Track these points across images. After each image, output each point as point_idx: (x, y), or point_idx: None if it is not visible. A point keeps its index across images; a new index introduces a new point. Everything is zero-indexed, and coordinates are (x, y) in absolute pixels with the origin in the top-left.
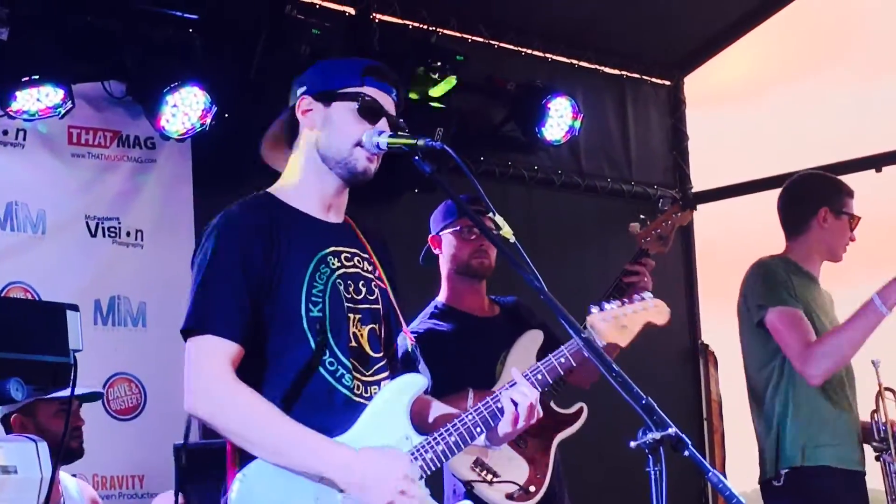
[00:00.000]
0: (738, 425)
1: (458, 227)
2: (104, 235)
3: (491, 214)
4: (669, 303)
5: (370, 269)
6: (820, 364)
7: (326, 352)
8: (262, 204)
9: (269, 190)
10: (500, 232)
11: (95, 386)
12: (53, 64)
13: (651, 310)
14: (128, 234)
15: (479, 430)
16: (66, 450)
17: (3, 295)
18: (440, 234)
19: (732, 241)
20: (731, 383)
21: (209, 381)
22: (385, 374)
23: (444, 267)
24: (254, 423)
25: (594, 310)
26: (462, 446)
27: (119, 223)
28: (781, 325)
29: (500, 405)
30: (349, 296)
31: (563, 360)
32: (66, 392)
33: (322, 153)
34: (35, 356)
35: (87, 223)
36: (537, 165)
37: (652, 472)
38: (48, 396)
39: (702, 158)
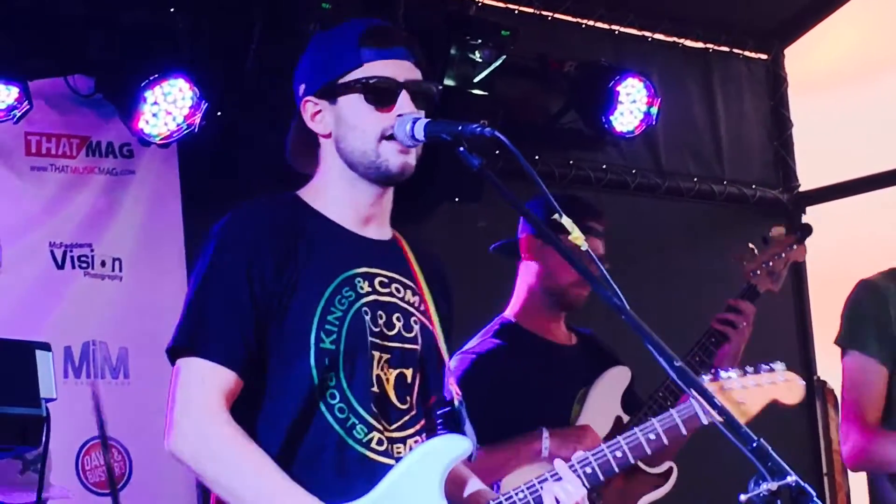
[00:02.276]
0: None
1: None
2: (74, 267)
3: (557, 216)
4: (776, 331)
5: (413, 300)
6: (856, 463)
7: (336, 394)
8: (283, 204)
9: (297, 192)
10: (570, 237)
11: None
12: (3, 56)
13: (780, 384)
14: (103, 263)
15: None
16: None
17: None
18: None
19: (851, 252)
20: None
21: (196, 415)
22: (414, 431)
23: (528, 279)
24: (242, 475)
25: (706, 377)
26: None
27: (92, 251)
28: (847, 379)
29: (538, 497)
30: (377, 329)
31: (618, 454)
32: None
33: (346, 158)
34: None
35: (51, 252)
36: (606, 164)
37: None
38: None
39: (808, 150)
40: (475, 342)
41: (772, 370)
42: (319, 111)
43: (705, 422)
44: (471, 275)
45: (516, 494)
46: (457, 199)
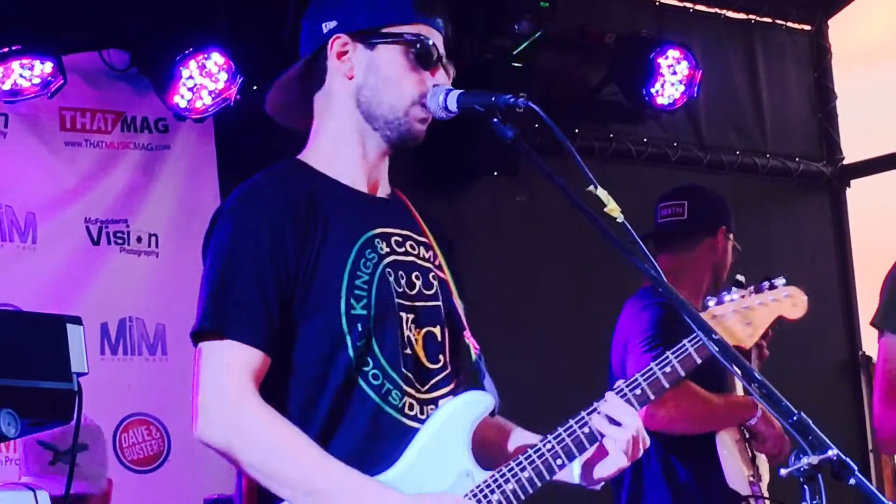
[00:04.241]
0: None
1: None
2: (110, 243)
3: (592, 188)
4: (820, 305)
5: (427, 255)
6: (890, 445)
7: (370, 361)
8: (290, 173)
9: (298, 157)
10: (605, 210)
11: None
12: (38, 30)
13: (784, 301)
14: (139, 239)
15: (560, 462)
16: None
17: None
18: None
19: None
20: None
21: (227, 400)
22: (447, 390)
23: (705, 256)
24: (282, 456)
25: (710, 303)
26: (538, 483)
27: (128, 227)
28: (882, 361)
29: (587, 430)
30: (400, 290)
31: (668, 369)
32: None
33: (366, 109)
34: (29, 382)
35: (87, 228)
36: (647, 137)
37: None
38: None
39: (852, 123)
40: (649, 298)
41: (774, 286)
42: (348, 52)
43: (714, 349)
44: (510, 248)
45: (565, 431)
46: (495, 173)
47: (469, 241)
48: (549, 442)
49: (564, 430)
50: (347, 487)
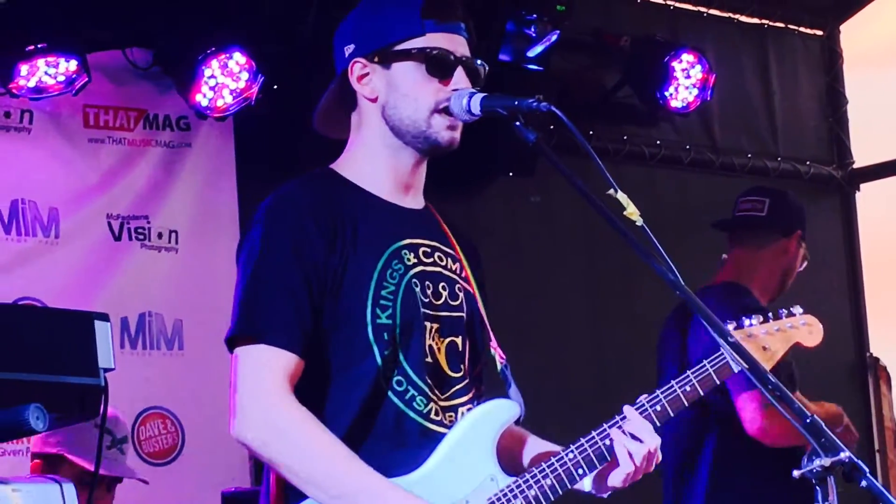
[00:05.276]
0: None
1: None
2: (131, 238)
3: (612, 191)
4: (829, 307)
5: (454, 267)
6: None
7: (395, 369)
8: (321, 181)
9: (331, 166)
10: (624, 213)
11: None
12: (63, 29)
13: (801, 328)
14: (159, 235)
15: (581, 471)
16: None
17: None
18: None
19: None
20: None
21: (263, 400)
22: (466, 399)
23: (776, 258)
24: (315, 458)
25: (729, 327)
26: (560, 491)
27: (148, 223)
28: None
29: (608, 443)
30: (426, 300)
31: (688, 388)
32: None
33: (393, 125)
34: (58, 377)
35: (109, 224)
36: (660, 139)
37: None
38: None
39: (862, 127)
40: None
41: (791, 314)
42: (368, 74)
43: (735, 370)
44: (524, 248)
45: (587, 442)
46: (510, 174)
47: (483, 242)
48: (572, 451)
49: (587, 441)
50: (374, 494)
